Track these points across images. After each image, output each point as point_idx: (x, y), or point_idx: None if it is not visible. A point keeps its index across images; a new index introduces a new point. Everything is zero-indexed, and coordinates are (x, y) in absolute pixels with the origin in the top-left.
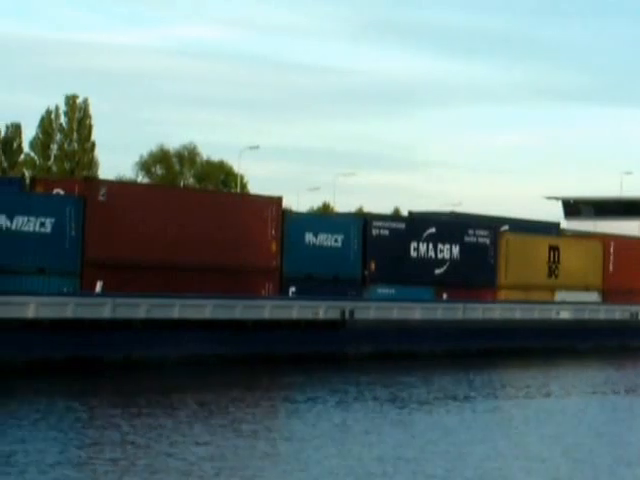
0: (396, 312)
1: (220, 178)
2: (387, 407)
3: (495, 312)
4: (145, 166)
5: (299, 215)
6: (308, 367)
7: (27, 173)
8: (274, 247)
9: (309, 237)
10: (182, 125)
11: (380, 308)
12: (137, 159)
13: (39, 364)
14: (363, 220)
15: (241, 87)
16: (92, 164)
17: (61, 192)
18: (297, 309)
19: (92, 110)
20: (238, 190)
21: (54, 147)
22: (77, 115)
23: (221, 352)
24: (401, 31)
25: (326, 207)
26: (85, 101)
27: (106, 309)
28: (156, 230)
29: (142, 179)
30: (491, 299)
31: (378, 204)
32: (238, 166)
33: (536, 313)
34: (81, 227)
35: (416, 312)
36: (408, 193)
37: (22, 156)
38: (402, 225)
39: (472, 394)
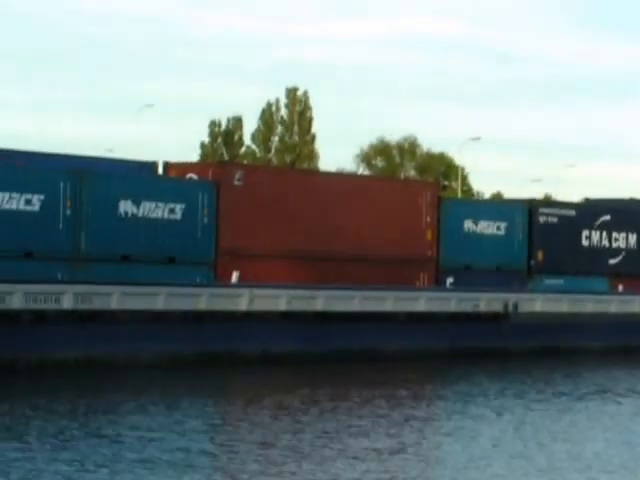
0: (566, 305)
1: (440, 170)
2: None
3: None
4: (365, 158)
5: (457, 201)
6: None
7: None
8: (429, 235)
9: (468, 224)
10: (402, 117)
11: (548, 300)
12: (357, 151)
13: (167, 358)
14: (528, 207)
15: (461, 78)
16: (312, 156)
17: (194, 177)
18: (455, 301)
19: (312, 102)
20: (459, 183)
21: (275, 139)
22: (298, 107)
23: (366, 346)
24: (620, 20)
25: (548, 198)
26: (305, 93)
27: (243, 301)
28: (297, 217)
29: (362, 171)
30: None
31: (602, 196)
32: (459, 158)
33: None
34: (214, 214)
35: (588, 305)
36: (634, 184)
37: (243, 148)
38: (572, 212)
39: None
